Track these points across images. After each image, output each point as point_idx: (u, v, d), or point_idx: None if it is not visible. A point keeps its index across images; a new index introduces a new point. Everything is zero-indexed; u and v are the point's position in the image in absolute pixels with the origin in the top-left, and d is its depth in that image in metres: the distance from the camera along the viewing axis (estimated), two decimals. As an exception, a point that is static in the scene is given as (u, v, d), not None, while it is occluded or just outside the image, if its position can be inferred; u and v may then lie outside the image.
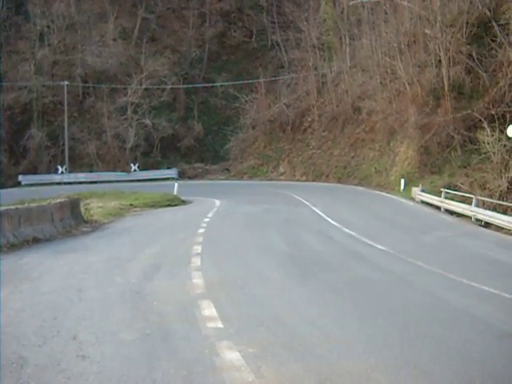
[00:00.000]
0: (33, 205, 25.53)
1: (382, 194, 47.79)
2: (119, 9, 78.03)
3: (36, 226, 23.05)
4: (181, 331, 10.60)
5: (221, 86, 78.26)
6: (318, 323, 11.23)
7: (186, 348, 9.63)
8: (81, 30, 78.14)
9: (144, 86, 72.94)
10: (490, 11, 47.35)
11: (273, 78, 75.21)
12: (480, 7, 48.53)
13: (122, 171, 69.31)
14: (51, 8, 75.75)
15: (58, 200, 27.33)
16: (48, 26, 76.31)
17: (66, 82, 71.23)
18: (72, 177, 67.38)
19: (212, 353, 9.31)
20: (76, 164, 69.80)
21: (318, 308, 12.51)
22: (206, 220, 29.78)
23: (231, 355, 9.17)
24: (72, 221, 27.26)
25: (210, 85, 78.72)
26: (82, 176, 67.45)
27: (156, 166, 71.12)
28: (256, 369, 8.56)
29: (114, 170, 69.21)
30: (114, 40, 76.84)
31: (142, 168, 70.51)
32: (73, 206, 28.38)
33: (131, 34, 78.78)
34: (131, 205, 38.14)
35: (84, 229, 27.35)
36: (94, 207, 34.65)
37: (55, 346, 9.77)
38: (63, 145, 70.27)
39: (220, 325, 10.92)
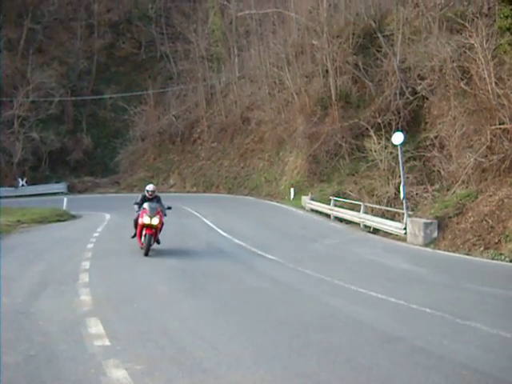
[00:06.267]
0: None
1: (273, 203, 48.10)
2: (4, 19, 76.08)
3: None
4: (67, 351, 10.29)
5: (109, 98, 77.46)
6: (206, 336, 11.13)
7: (71, 368, 9.35)
8: (-37, 40, 76.02)
9: (31, 99, 71.24)
10: (375, 23, 48.43)
11: (162, 90, 74.97)
12: (366, 19, 49.62)
13: (10, 186, 67.59)
14: None
15: None
16: None
17: (-51, 95, 69.30)
18: (-45, 193, 65.32)
19: (98, 372, 9.09)
20: (-40, 179, 67.89)
21: (206, 321, 12.42)
22: (96, 235, 29.28)
23: (118, 373, 8.97)
24: (-47, 239, 26.35)
25: (99, 97, 77.80)
26: (-34, 192, 65.42)
27: (45, 181, 69.48)
28: (143, 386, 8.41)
29: (0, 186, 67.47)
30: (-1, 51, 75.07)
31: (31, 183, 69.05)
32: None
33: (17, 45, 76.79)
34: (18, 221, 37.01)
35: (-34, 247, 26.49)
36: (-22, 224, 33.55)
37: None
38: None
39: (107, 342, 10.68)
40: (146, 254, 21.64)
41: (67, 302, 14.21)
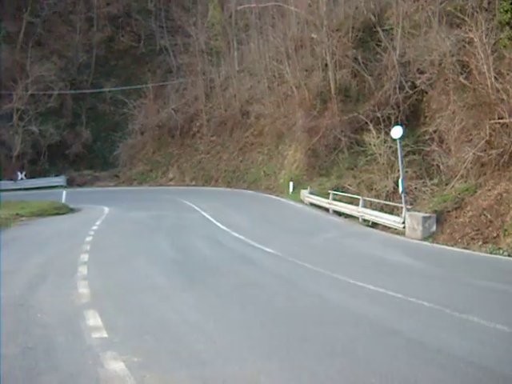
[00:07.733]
0: None
1: (271, 197, 48.07)
2: (3, 12, 75.84)
3: None
4: (64, 343, 10.33)
5: (109, 91, 77.27)
6: (204, 329, 11.16)
7: (69, 360, 9.39)
8: (-38, 33, 75.75)
9: (30, 92, 70.99)
10: (374, 17, 48.32)
11: (161, 83, 74.85)
12: (365, 12, 49.50)
13: (9, 180, 67.46)
14: None
15: None
16: None
17: None
18: (-45, 186, 65.09)
19: (96, 364, 9.12)
20: (-40, 173, 67.70)
21: (204, 313, 12.43)
22: (94, 228, 29.29)
23: (115, 365, 9.00)
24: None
25: (98, 90, 77.62)
26: (-34, 185, 65.21)
27: (44, 174, 69.47)
28: (140, 378, 8.45)
29: (-1, 179, 67.38)
30: (-2, 44, 74.81)
31: (30, 176, 68.93)
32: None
33: (16, 39, 76.53)
34: (18, 214, 37.05)
35: (-34, 240, 26.46)
36: (-23, 217, 33.52)
37: None
38: None
39: (105, 334, 10.72)
40: None
41: (65, 294, 14.24)
